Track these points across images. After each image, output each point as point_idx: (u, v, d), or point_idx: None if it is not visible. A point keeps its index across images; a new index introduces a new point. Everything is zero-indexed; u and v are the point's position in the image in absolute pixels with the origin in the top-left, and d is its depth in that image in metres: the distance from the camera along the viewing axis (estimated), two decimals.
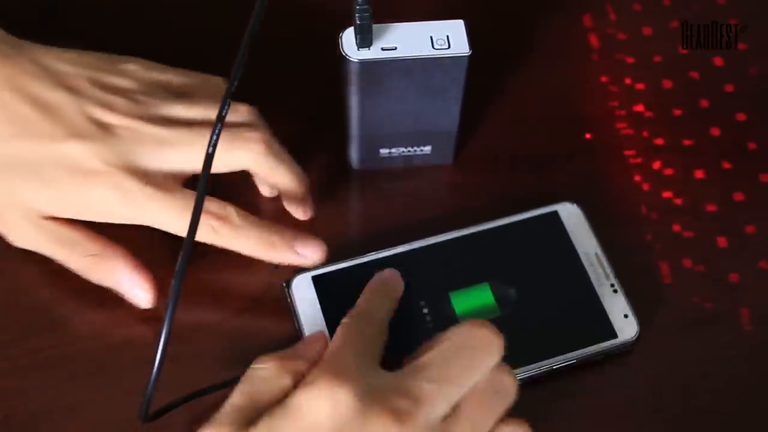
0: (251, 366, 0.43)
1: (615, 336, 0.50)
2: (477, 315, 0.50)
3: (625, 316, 0.50)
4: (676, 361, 0.51)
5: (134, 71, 0.51)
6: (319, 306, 0.50)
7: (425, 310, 0.50)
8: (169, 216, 0.48)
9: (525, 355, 0.49)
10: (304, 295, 0.50)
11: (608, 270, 0.52)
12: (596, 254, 0.52)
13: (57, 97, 0.48)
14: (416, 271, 0.51)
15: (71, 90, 0.48)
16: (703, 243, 0.54)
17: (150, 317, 0.50)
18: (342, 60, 0.50)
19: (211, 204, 0.48)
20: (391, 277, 0.50)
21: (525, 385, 0.49)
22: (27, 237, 0.49)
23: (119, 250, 0.49)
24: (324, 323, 0.49)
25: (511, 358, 0.49)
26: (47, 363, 0.49)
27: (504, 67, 0.60)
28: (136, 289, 0.49)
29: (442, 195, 0.57)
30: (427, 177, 0.56)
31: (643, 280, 0.53)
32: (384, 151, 0.55)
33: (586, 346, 0.49)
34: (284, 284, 0.51)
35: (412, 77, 0.51)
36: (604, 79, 0.60)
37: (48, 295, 0.51)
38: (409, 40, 0.50)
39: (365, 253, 0.52)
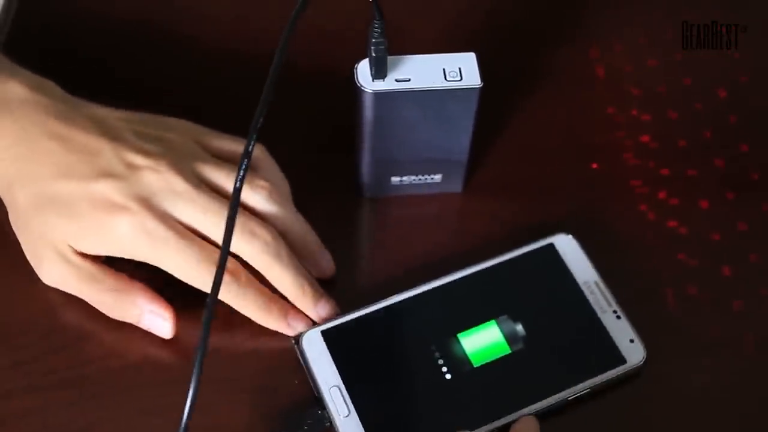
0: None
1: (624, 361, 0.50)
2: (488, 354, 0.50)
3: (631, 341, 0.51)
4: (681, 388, 0.51)
5: (176, 126, 0.53)
6: (331, 359, 0.50)
7: (436, 354, 0.50)
8: (179, 263, 0.49)
9: (540, 390, 0.49)
10: (315, 350, 0.50)
11: (609, 297, 0.52)
12: (596, 282, 0.53)
13: (99, 144, 0.50)
14: (422, 316, 0.51)
15: (114, 139, 0.51)
16: (708, 271, 0.55)
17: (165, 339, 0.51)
18: (357, 90, 0.51)
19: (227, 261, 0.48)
20: None
21: (542, 418, 0.49)
22: (56, 273, 0.51)
23: (137, 285, 0.51)
24: (338, 376, 0.49)
25: (527, 394, 0.49)
26: (64, 383, 0.50)
27: (512, 98, 0.61)
28: (158, 320, 0.50)
29: (451, 222, 0.57)
30: (437, 205, 0.57)
31: (649, 308, 0.53)
32: (395, 179, 0.56)
33: (597, 374, 0.50)
34: (294, 341, 0.51)
35: (424, 108, 0.51)
36: (610, 110, 0.61)
37: (65, 316, 0.52)
38: (423, 71, 0.51)
39: (373, 302, 0.51)
